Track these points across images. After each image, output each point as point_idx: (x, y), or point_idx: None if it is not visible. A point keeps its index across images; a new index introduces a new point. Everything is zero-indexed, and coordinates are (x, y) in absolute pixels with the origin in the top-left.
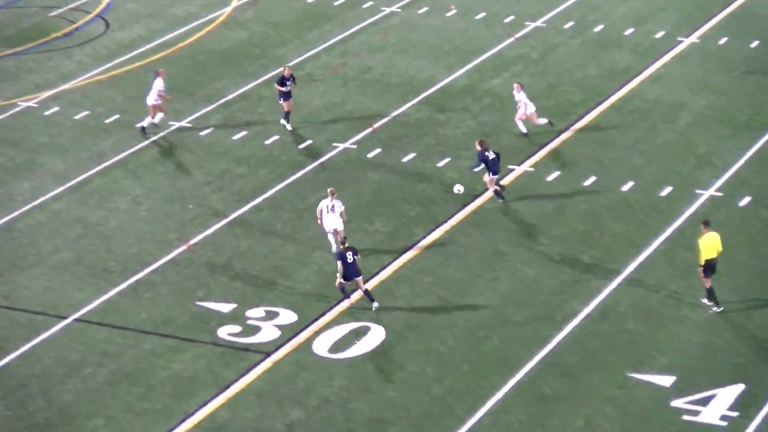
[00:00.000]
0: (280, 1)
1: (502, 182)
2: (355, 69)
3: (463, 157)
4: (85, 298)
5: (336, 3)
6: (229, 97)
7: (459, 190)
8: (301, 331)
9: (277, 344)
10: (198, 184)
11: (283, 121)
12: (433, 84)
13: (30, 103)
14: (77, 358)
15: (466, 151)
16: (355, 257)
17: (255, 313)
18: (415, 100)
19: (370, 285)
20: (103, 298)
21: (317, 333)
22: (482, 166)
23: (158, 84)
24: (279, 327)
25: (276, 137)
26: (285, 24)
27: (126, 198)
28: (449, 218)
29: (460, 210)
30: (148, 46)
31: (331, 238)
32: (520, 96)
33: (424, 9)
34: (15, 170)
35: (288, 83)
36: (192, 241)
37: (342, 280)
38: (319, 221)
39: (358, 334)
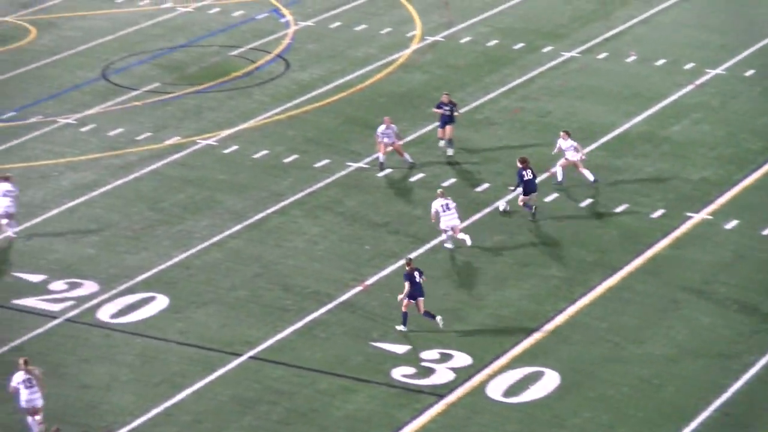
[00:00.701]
0: (460, 45)
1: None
2: (533, 113)
3: (641, 204)
4: (260, 336)
5: (515, 47)
6: (408, 139)
7: (505, 208)
8: (476, 374)
9: (451, 387)
10: (375, 225)
11: (447, 148)
12: (611, 129)
13: (210, 141)
14: (252, 396)
15: (645, 198)
16: (422, 278)
17: (429, 355)
18: (593, 146)
19: (545, 331)
20: (279, 337)
21: (491, 376)
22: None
23: (380, 128)
24: (453, 369)
25: (453, 180)
26: (464, 67)
27: (303, 237)
28: (625, 265)
29: (636, 257)
30: (327, 87)
31: (447, 236)
32: (567, 143)
33: (604, 54)
34: (194, 207)
35: (445, 108)
36: (368, 282)
37: (408, 300)
38: (434, 221)
39: (533, 379)
